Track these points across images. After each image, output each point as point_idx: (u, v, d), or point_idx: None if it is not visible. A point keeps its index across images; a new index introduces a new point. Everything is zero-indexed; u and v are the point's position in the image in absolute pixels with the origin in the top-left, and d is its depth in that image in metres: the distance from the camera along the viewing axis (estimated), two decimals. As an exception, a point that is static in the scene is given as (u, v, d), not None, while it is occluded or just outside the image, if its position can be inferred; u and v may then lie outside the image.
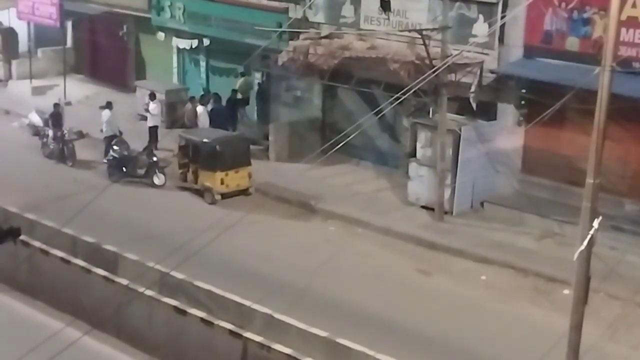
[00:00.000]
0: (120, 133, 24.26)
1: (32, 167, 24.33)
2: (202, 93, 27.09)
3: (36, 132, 26.11)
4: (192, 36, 28.20)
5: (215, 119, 24.97)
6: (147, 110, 25.77)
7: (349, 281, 17.67)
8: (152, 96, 26.04)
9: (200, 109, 25.22)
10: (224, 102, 26.05)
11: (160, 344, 15.29)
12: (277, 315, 14.61)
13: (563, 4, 19.65)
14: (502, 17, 20.12)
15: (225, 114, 25.67)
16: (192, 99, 26.51)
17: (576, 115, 18.59)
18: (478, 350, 15.09)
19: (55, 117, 25.34)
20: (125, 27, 30.83)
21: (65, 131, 24.91)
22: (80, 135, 25.55)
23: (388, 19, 22.74)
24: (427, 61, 19.87)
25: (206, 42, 27.88)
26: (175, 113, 27.02)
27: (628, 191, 19.38)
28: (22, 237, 16.89)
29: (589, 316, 11.67)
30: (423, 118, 21.71)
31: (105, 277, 16.17)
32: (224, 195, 21.94)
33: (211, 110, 25.35)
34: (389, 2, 22.61)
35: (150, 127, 25.51)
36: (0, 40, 33.33)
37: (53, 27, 31.05)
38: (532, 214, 20.06)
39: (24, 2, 31.45)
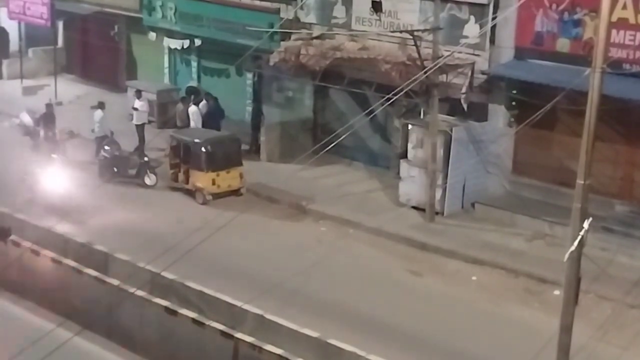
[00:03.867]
0: (112, 133, 24.24)
1: (23, 167, 24.21)
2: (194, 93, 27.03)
3: (27, 132, 26.01)
4: (183, 36, 28.16)
5: (207, 119, 24.96)
6: (133, 108, 25.72)
7: (340, 282, 17.68)
8: (138, 93, 26.03)
9: (192, 109, 25.19)
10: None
11: (151, 344, 15.26)
12: (268, 316, 14.61)
13: (554, 6, 19.69)
14: (493, 19, 20.18)
15: (218, 115, 25.66)
16: (183, 99, 26.49)
17: (567, 116, 18.65)
18: (468, 351, 15.11)
19: (47, 117, 25.26)
20: (116, 27, 30.80)
21: (56, 131, 24.86)
22: (71, 135, 25.47)
23: (379, 19, 22.76)
24: (418, 62, 19.91)
25: (198, 42, 27.86)
26: (167, 113, 27.00)
27: (618, 192, 19.45)
28: (12, 237, 17.00)
29: (579, 317, 11.69)
30: (414, 119, 21.74)
31: (96, 278, 16.13)
32: (215, 196, 21.92)
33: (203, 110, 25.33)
34: (381, 3, 22.62)
35: (137, 125, 25.45)
36: (-10, 40, 33.35)
37: (44, 27, 31.01)
38: (522, 215, 20.10)
39: (15, 2, 31.39)
